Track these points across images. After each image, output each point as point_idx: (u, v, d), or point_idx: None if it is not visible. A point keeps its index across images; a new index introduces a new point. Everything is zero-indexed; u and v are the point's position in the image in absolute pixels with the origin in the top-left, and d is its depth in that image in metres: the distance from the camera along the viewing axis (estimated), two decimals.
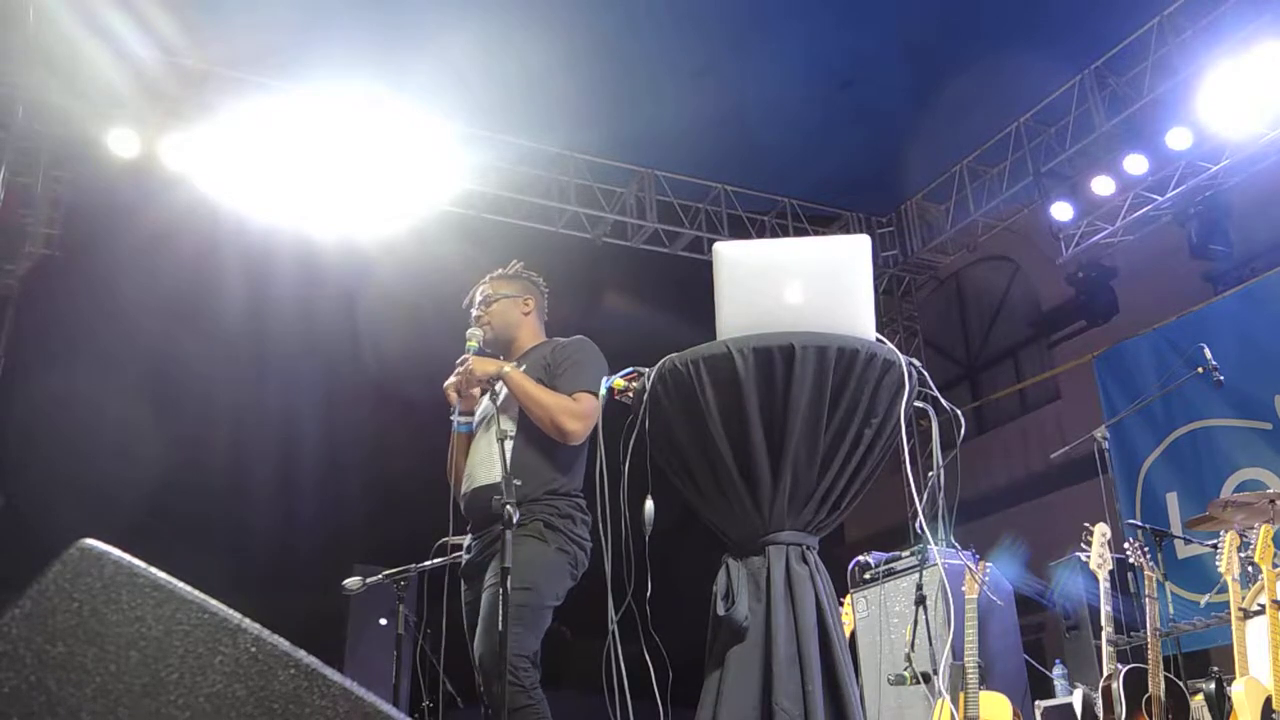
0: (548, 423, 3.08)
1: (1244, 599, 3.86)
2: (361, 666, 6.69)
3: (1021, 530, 6.79)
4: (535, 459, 3.11)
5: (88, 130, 6.55)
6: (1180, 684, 4.03)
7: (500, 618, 2.61)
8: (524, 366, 3.27)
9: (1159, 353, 6.82)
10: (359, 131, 7.01)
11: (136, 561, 0.97)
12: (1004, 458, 9.97)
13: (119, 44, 6.39)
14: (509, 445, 2.98)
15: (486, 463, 3.17)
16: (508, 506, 2.66)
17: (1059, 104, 7.70)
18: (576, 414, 3.08)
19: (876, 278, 8.81)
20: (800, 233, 8.78)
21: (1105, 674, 4.11)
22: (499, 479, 3.04)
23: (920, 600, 4.20)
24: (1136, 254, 7.97)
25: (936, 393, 2.31)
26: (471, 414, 3.38)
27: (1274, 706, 3.50)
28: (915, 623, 4.49)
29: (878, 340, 2.25)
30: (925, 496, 2.27)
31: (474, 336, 3.30)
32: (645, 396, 2.26)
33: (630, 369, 2.35)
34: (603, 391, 2.37)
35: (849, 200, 9.25)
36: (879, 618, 5.26)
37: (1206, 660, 5.27)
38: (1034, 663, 5.25)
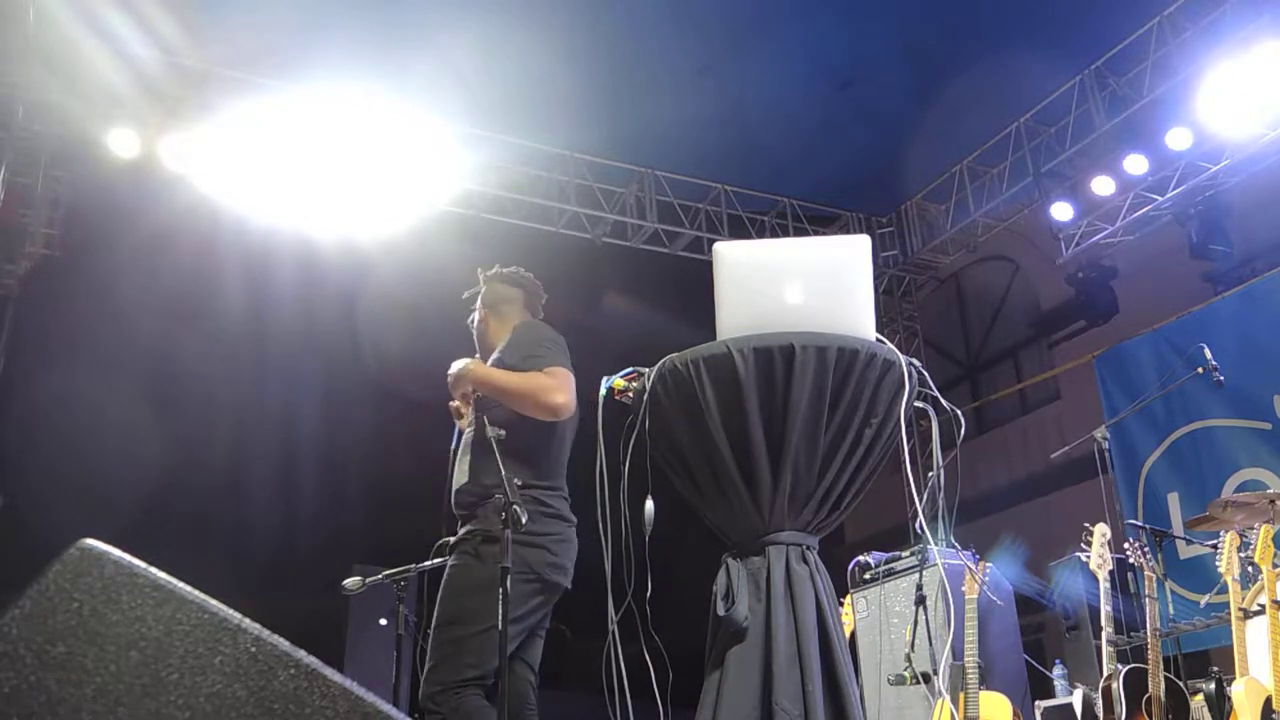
0: (534, 405, 2.95)
1: (1244, 599, 3.86)
2: (361, 666, 6.69)
3: (1021, 530, 6.79)
4: (482, 459, 2.97)
5: (88, 130, 6.55)
6: (1180, 684, 4.03)
7: (500, 616, 2.60)
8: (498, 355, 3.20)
9: (1159, 353, 6.82)
10: (359, 131, 7.01)
11: (136, 561, 0.97)
12: (1004, 458, 9.98)
13: (119, 44, 6.40)
14: (496, 445, 2.89)
15: (459, 466, 3.13)
16: (514, 507, 2.64)
17: (1059, 104, 7.70)
18: (557, 386, 2.95)
19: (876, 278, 8.81)
20: (800, 233, 8.78)
21: (1105, 674, 4.11)
22: (464, 481, 3.02)
23: (920, 600, 4.20)
24: (1136, 254, 7.96)
25: (936, 393, 2.31)
26: None
27: (1274, 706, 3.50)
28: (915, 623, 4.49)
29: (878, 340, 2.25)
30: (925, 496, 2.27)
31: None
32: (645, 396, 2.26)
33: (630, 369, 2.34)
34: (603, 391, 2.36)
35: (849, 200, 9.25)
36: (879, 618, 5.26)
37: (1206, 660, 5.27)
38: (1034, 663, 5.25)
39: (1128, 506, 6.76)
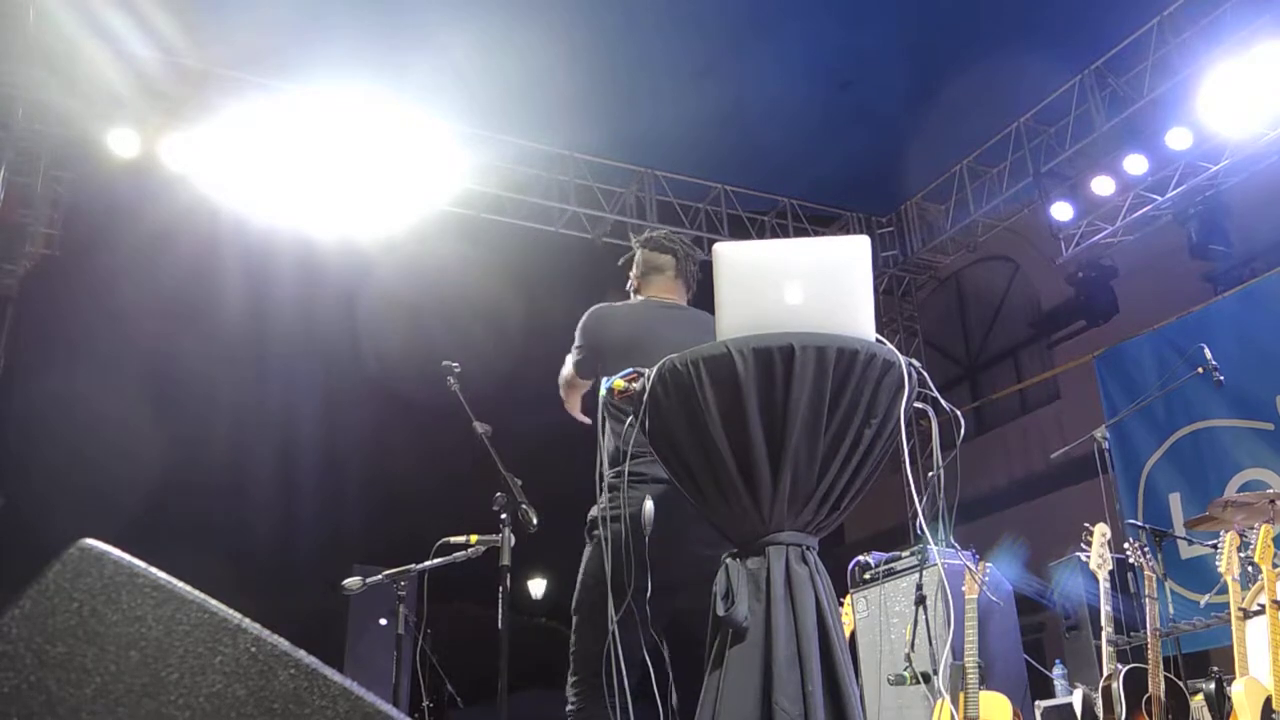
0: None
1: (1244, 599, 3.86)
2: (361, 666, 6.70)
3: (1021, 530, 6.79)
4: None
5: (88, 130, 6.56)
6: (1180, 684, 4.03)
7: (500, 617, 2.60)
8: None
9: (1159, 353, 6.81)
10: (359, 131, 7.01)
11: (136, 561, 0.97)
12: (1004, 458, 9.98)
13: (119, 44, 6.40)
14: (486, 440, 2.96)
15: None
16: (523, 508, 2.64)
17: (1059, 104, 7.70)
18: (560, 378, 3.19)
19: (876, 278, 8.82)
20: (800, 233, 8.79)
21: (1105, 674, 4.11)
22: None
23: (920, 600, 4.20)
24: (1136, 254, 7.97)
25: (936, 393, 2.31)
26: None
27: (1274, 706, 3.50)
28: (915, 623, 4.49)
29: (878, 340, 2.25)
30: (925, 496, 2.27)
31: None
32: (645, 397, 2.26)
33: (630, 369, 2.34)
34: (603, 392, 2.36)
35: (849, 200, 9.26)
36: (879, 618, 5.26)
37: (1206, 660, 5.27)
38: (1034, 663, 5.25)
39: (1128, 506, 6.76)
